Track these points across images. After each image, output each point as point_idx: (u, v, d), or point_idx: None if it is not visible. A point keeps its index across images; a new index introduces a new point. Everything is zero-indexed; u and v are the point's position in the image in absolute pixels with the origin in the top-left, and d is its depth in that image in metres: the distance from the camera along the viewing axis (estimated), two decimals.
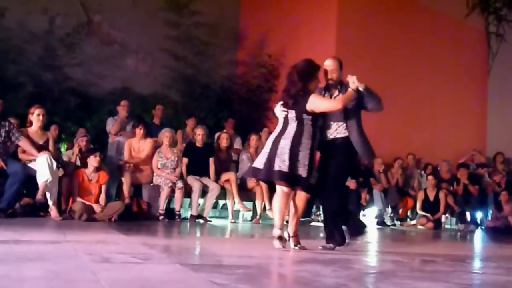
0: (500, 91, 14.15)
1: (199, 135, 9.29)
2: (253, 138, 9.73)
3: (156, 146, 9.06)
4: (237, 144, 10.62)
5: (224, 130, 10.51)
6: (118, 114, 9.90)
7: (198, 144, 9.29)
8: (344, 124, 5.14)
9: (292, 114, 4.99)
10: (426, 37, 13.21)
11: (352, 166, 5.20)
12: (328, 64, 5.23)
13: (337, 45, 11.76)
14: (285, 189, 4.95)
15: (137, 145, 8.93)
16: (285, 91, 5.11)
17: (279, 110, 5.08)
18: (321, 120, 5.06)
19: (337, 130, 5.16)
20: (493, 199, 11.25)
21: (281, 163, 4.82)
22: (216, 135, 10.02)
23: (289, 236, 5.08)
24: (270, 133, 11.52)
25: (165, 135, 9.06)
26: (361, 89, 5.03)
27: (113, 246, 4.65)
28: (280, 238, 4.90)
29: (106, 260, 3.54)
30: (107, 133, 9.75)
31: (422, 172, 12.12)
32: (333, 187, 5.13)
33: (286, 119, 5.02)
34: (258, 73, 13.39)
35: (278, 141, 4.92)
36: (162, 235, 6.66)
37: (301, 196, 5.11)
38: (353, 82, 5.04)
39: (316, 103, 4.94)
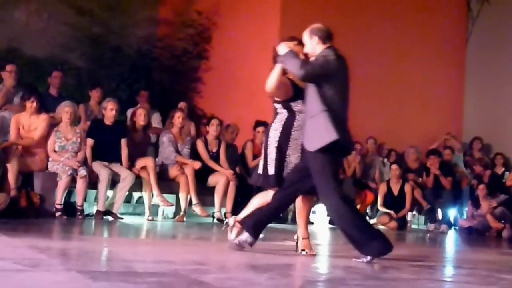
0: (481, 63, 14.39)
1: (111, 110, 9.14)
2: (178, 116, 9.65)
3: (53, 124, 8.89)
4: (156, 122, 10.55)
5: (139, 105, 10.41)
6: (2, 82, 9.66)
7: (108, 121, 9.17)
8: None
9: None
10: None
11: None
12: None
13: (283, 3, 11.78)
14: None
15: (27, 122, 8.71)
16: None
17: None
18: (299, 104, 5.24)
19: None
20: (469, 193, 11.53)
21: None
22: (130, 111, 9.93)
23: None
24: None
25: (65, 110, 8.88)
26: (280, 53, 5.13)
27: None
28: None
29: None
30: None
31: (385, 160, 12.31)
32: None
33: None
34: (184, 34, 13.26)
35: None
36: (57, 236, 6.58)
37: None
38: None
39: None
